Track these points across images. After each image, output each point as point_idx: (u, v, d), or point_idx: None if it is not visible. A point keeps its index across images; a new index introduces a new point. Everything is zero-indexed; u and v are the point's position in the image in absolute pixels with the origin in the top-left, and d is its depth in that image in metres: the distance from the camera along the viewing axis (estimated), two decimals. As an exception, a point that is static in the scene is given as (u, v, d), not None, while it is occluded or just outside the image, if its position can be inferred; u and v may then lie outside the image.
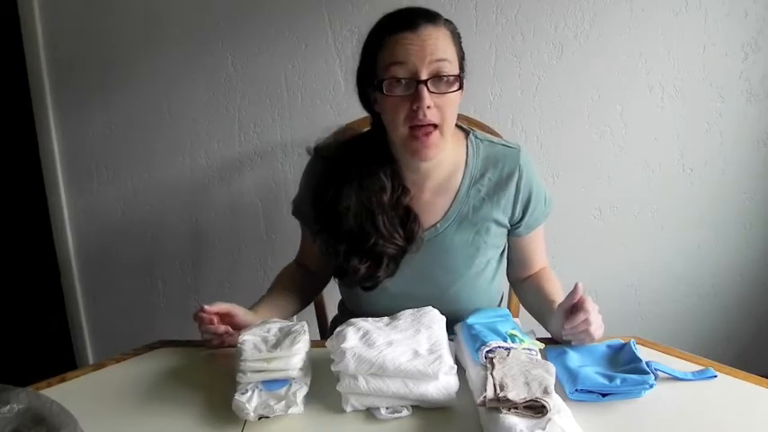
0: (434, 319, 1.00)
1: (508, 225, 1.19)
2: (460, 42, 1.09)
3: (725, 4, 1.68)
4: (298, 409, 0.88)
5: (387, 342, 0.93)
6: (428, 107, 1.00)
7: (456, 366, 0.91)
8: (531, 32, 1.71)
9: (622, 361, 0.97)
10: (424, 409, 0.90)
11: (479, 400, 0.83)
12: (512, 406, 0.80)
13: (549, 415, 0.79)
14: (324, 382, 0.94)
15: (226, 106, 1.81)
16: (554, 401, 0.81)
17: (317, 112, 1.78)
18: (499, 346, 0.93)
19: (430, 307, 1.03)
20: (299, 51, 1.75)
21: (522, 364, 0.89)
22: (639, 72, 1.74)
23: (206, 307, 1.04)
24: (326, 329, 1.52)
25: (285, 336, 0.96)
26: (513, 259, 1.26)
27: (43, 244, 1.95)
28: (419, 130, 1.02)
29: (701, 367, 0.98)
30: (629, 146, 1.80)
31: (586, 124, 1.78)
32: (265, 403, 0.87)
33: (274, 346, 0.93)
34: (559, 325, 1.00)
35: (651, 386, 0.89)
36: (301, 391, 0.90)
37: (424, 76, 1.00)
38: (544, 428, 0.77)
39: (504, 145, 1.19)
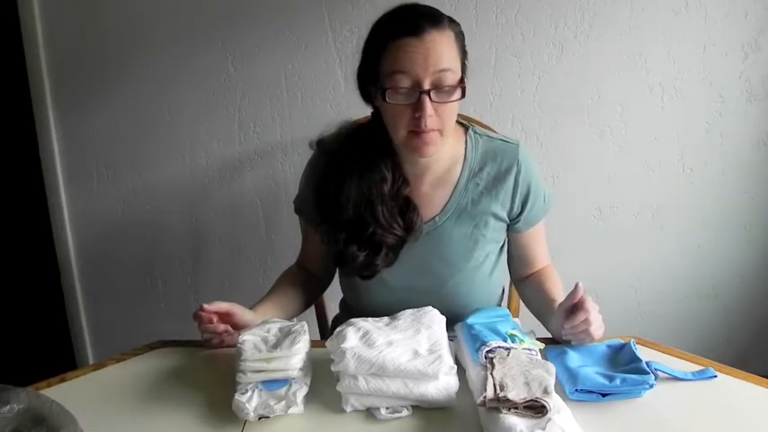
0: (434, 319, 1.00)
1: (507, 219, 1.19)
2: (464, 42, 1.08)
3: (725, 4, 1.68)
4: (298, 409, 0.88)
5: (387, 342, 0.93)
6: (429, 116, 1.01)
7: (456, 366, 0.91)
8: (531, 32, 1.71)
9: (622, 361, 0.97)
10: (424, 409, 0.90)
11: (479, 400, 0.83)
12: (512, 406, 0.80)
13: (549, 415, 0.79)
14: (324, 382, 0.94)
15: (226, 106, 1.81)
16: (554, 401, 0.81)
17: (317, 112, 1.78)
18: (499, 346, 0.93)
19: (430, 307, 1.04)
20: (299, 51, 1.75)
21: (522, 364, 0.89)
22: (639, 72, 1.74)
23: (205, 306, 1.04)
24: (326, 329, 1.52)
25: (285, 336, 0.96)
26: (513, 256, 1.26)
27: (43, 244, 1.95)
28: (420, 133, 1.03)
29: (701, 367, 0.98)
30: (629, 146, 1.80)
31: (586, 124, 1.78)
32: (265, 403, 0.87)
33: (274, 347, 0.93)
34: (559, 324, 1.00)
35: (651, 386, 0.89)
36: (301, 391, 0.90)
37: (426, 86, 1.01)
38: (544, 428, 0.77)
39: (502, 140, 1.20)
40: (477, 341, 0.95)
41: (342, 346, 0.91)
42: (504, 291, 1.34)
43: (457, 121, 1.14)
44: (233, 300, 1.08)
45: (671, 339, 1.36)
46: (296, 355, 0.92)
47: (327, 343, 0.96)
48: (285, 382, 0.91)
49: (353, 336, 0.94)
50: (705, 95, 1.76)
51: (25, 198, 1.99)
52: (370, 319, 1.01)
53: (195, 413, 0.91)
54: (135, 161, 1.87)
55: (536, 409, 0.80)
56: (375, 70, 1.05)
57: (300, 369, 0.92)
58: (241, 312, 1.07)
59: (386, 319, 1.02)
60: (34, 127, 1.84)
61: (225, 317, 1.06)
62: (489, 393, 0.82)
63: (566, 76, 1.74)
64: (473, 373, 0.92)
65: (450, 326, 1.03)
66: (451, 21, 1.06)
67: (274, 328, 1.00)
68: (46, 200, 1.90)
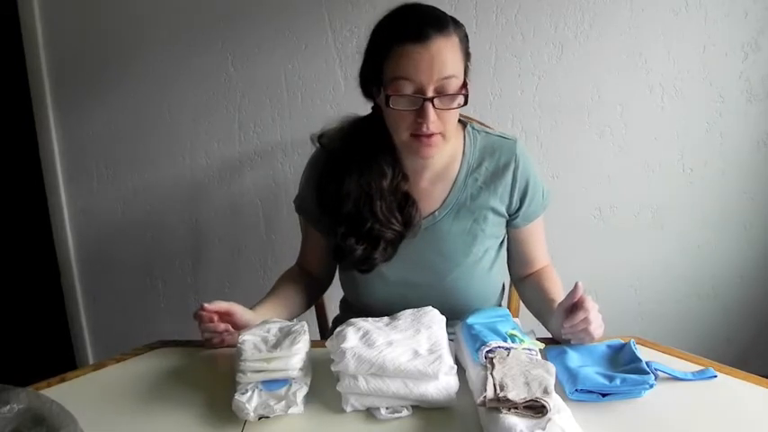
0: (434, 319, 1.00)
1: (506, 215, 1.20)
2: (468, 44, 1.08)
3: (725, 4, 1.68)
4: (298, 409, 0.88)
5: (387, 342, 0.93)
6: (432, 121, 1.02)
7: (456, 366, 0.91)
8: (531, 32, 1.71)
9: (622, 361, 0.97)
10: (424, 409, 0.90)
11: (479, 400, 0.82)
12: (512, 406, 0.80)
13: (549, 415, 0.79)
14: (324, 382, 0.94)
15: (226, 106, 1.81)
16: (554, 401, 0.81)
17: (317, 112, 1.78)
18: (499, 346, 0.93)
19: (430, 307, 1.04)
20: (299, 51, 1.75)
21: (522, 364, 0.89)
22: (639, 72, 1.74)
23: (206, 305, 1.04)
24: (326, 329, 1.52)
25: (285, 336, 0.96)
26: (513, 255, 1.27)
27: (43, 244, 1.95)
28: (422, 137, 1.04)
29: (701, 367, 0.98)
30: (629, 146, 1.80)
31: (586, 124, 1.78)
32: (265, 403, 0.87)
33: (274, 347, 0.93)
34: (559, 324, 1.01)
35: (651, 386, 0.89)
36: (301, 391, 0.90)
37: (430, 94, 1.01)
38: (544, 428, 0.77)
39: (500, 136, 1.21)
40: (477, 341, 0.95)
41: (342, 346, 0.91)
42: (504, 288, 1.34)
43: None
44: (233, 300, 1.08)
45: (671, 339, 1.36)
46: (296, 355, 0.92)
47: (327, 343, 0.96)
48: (285, 382, 0.91)
49: (353, 336, 0.94)
50: (705, 95, 1.76)
51: (25, 198, 1.99)
52: (370, 319, 1.01)
53: (195, 413, 0.91)
54: (135, 161, 1.87)
55: (536, 409, 0.80)
56: (378, 73, 1.05)
57: (300, 369, 0.92)
58: (241, 312, 1.07)
59: (386, 319, 1.02)
60: (34, 127, 1.84)
61: (225, 316, 1.06)
62: (489, 393, 0.82)
63: (566, 76, 1.74)
64: (473, 373, 0.92)
65: (449, 321, 1.04)
66: (455, 23, 1.05)
67: (274, 328, 1.00)
68: (46, 200, 1.90)
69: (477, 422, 0.85)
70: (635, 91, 1.75)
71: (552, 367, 0.88)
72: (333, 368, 0.91)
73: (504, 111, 1.77)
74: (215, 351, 1.08)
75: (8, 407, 0.75)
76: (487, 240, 1.19)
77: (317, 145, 1.21)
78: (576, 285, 0.97)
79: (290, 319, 1.09)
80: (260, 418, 0.87)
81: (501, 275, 1.28)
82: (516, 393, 0.81)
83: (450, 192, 1.17)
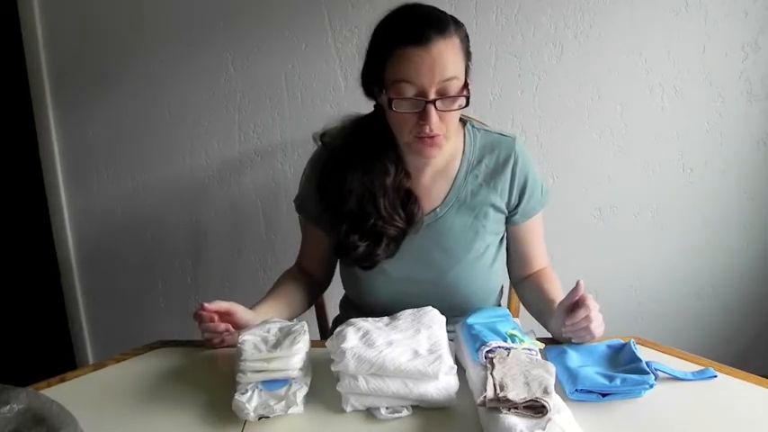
0: (434, 319, 1.00)
1: (506, 211, 1.20)
2: (469, 44, 1.08)
3: (725, 3, 1.68)
4: (298, 409, 0.88)
5: (387, 342, 0.93)
6: (434, 123, 1.02)
7: (456, 366, 0.91)
8: (531, 32, 1.71)
9: (622, 361, 0.97)
10: (424, 409, 0.90)
11: (479, 400, 0.82)
12: (512, 406, 0.80)
13: (549, 415, 0.79)
14: (324, 382, 0.94)
15: (226, 106, 1.81)
16: (554, 401, 0.81)
17: (317, 112, 1.78)
18: (499, 346, 0.93)
19: (430, 307, 1.04)
20: (299, 51, 1.75)
21: (522, 364, 0.89)
22: (639, 72, 1.74)
23: (206, 305, 1.04)
24: (326, 329, 1.52)
25: (285, 336, 0.96)
26: (512, 254, 1.27)
27: (43, 244, 1.95)
28: (425, 138, 1.05)
29: (701, 367, 0.98)
30: (629, 146, 1.80)
31: (586, 124, 1.78)
32: (265, 403, 0.87)
33: (274, 347, 0.93)
34: (560, 323, 1.01)
35: (651, 386, 0.89)
36: (301, 391, 0.90)
37: (432, 96, 1.01)
38: (544, 428, 0.77)
39: (499, 134, 1.22)
40: (477, 341, 0.95)
41: (342, 346, 0.91)
42: (503, 289, 1.34)
43: None
44: (233, 300, 1.08)
45: (671, 339, 1.36)
46: (296, 355, 0.92)
47: (327, 343, 0.96)
48: (285, 382, 0.91)
49: (353, 336, 0.94)
50: (705, 95, 1.76)
51: (25, 198, 1.99)
52: (370, 319, 1.01)
53: (195, 413, 0.91)
54: (135, 161, 1.87)
55: (536, 409, 0.80)
56: (379, 74, 1.06)
57: (300, 369, 0.92)
58: (241, 312, 1.07)
59: (386, 319, 1.02)
60: (34, 127, 1.84)
61: (225, 316, 1.06)
62: (489, 393, 0.82)
63: (566, 76, 1.74)
64: (473, 373, 0.92)
65: (450, 318, 1.04)
66: (456, 23, 1.05)
67: (274, 328, 1.00)
68: (46, 200, 1.90)
69: (477, 422, 0.85)
70: (635, 91, 1.75)
71: (552, 367, 0.88)
72: (333, 368, 0.91)
73: (504, 111, 1.77)
74: (215, 351, 1.08)
75: (8, 407, 0.75)
76: (488, 237, 1.20)
77: (319, 143, 1.22)
78: (577, 284, 0.97)
79: (291, 319, 1.10)
80: (260, 418, 0.87)
81: (501, 273, 1.28)
82: (516, 393, 0.81)
83: (450, 189, 1.18)
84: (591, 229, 1.87)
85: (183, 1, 1.73)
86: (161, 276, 1.97)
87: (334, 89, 1.77)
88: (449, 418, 0.89)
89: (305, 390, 0.91)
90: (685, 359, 1.01)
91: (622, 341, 1.02)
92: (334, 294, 1.40)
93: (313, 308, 1.45)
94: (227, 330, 1.05)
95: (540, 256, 1.27)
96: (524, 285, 1.27)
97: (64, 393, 0.91)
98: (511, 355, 0.91)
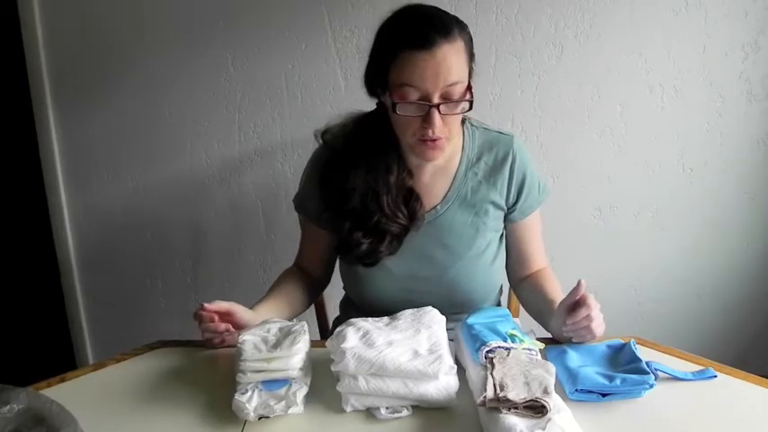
0: (434, 319, 1.00)
1: (505, 208, 1.21)
2: (472, 45, 1.09)
3: (725, 3, 1.68)
4: (298, 409, 0.88)
5: (387, 342, 0.93)
6: (437, 127, 1.03)
7: (456, 366, 0.91)
8: (531, 32, 1.71)
9: (622, 361, 0.97)
10: (424, 409, 0.90)
11: (479, 400, 0.82)
12: (512, 406, 0.80)
13: (549, 415, 0.79)
14: (324, 382, 0.94)
15: (226, 106, 1.81)
16: (554, 401, 0.81)
17: (317, 112, 1.78)
18: (499, 346, 0.93)
19: (430, 307, 1.04)
20: (299, 51, 1.75)
21: (522, 364, 0.89)
22: (639, 72, 1.74)
23: (206, 305, 1.04)
24: (327, 329, 1.52)
25: (285, 336, 0.96)
26: (511, 253, 1.27)
27: (43, 244, 1.95)
28: (427, 141, 1.05)
29: (701, 367, 0.98)
30: (629, 146, 1.80)
31: (586, 124, 1.78)
32: (265, 403, 0.87)
33: (274, 346, 0.93)
34: (561, 322, 1.01)
35: (651, 386, 0.89)
36: (301, 391, 0.90)
37: (435, 100, 1.02)
38: (544, 428, 0.77)
39: (498, 132, 1.23)
40: (477, 341, 0.95)
41: (342, 346, 0.91)
42: (502, 289, 1.34)
43: None
44: (233, 299, 1.08)
45: (671, 339, 1.36)
46: (296, 355, 0.92)
47: (327, 343, 0.96)
48: (285, 382, 0.91)
49: (353, 336, 0.94)
50: (705, 95, 1.76)
51: (25, 198, 1.99)
52: (370, 319, 1.01)
53: (195, 413, 0.91)
54: (135, 161, 1.87)
55: (536, 409, 0.80)
56: (383, 76, 1.06)
57: (300, 369, 0.92)
58: (241, 312, 1.07)
59: (386, 319, 1.02)
60: (34, 127, 1.84)
61: (225, 316, 1.06)
62: (489, 393, 0.82)
63: (566, 76, 1.74)
64: (473, 373, 0.92)
65: (450, 315, 1.04)
66: (460, 25, 1.05)
67: (274, 328, 1.00)
68: (46, 200, 1.90)
69: (477, 422, 0.85)
70: (635, 91, 1.75)
71: (552, 367, 0.88)
72: (333, 368, 0.91)
73: (504, 111, 1.77)
74: (215, 351, 1.08)
75: (8, 407, 0.75)
76: (489, 233, 1.20)
77: (320, 141, 1.22)
78: (578, 283, 0.97)
79: (291, 319, 1.10)
80: (260, 418, 0.87)
81: (502, 271, 1.28)
82: (516, 393, 0.81)
83: (451, 186, 1.19)
84: (591, 229, 1.87)
85: (183, 1, 1.73)
86: (161, 276, 1.97)
87: (334, 89, 1.77)
88: (449, 418, 0.89)
89: (305, 390, 0.91)
90: (685, 359, 1.01)
91: (622, 341, 1.02)
92: (334, 294, 1.40)
93: (313, 308, 1.45)
94: (228, 330, 1.05)
95: (539, 256, 1.27)
96: (523, 286, 1.27)
97: (64, 393, 0.91)
98: (511, 355, 0.91)
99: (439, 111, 1.02)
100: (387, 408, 0.89)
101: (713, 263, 1.90)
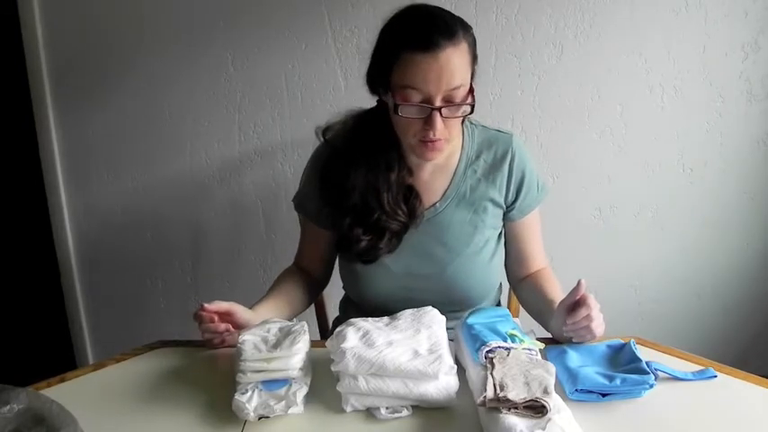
0: (434, 319, 1.00)
1: (504, 206, 1.21)
2: (475, 47, 1.08)
3: (725, 3, 1.68)
4: (298, 409, 0.88)
5: (387, 342, 0.93)
6: (438, 129, 1.03)
7: (456, 366, 0.91)
8: (531, 32, 1.71)
9: (622, 361, 0.97)
10: (424, 409, 0.90)
11: (479, 400, 0.82)
12: (512, 406, 0.80)
13: (549, 415, 0.79)
14: (324, 382, 0.94)
15: (226, 106, 1.81)
16: (554, 401, 0.81)
17: (317, 112, 1.78)
18: (499, 346, 0.93)
19: (430, 307, 1.04)
20: (299, 51, 1.75)
21: (522, 364, 0.89)
22: (639, 72, 1.74)
23: (206, 305, 1.04)
24: (326, 329, 1.52)
25: (285, 336, 0.96)
26: (510, 252, 1.27)
27: (43, 244, 1.95)
28: (428, 142, 1.06)
29: (701, 367, 0.98)
30: (629, 146, 1.80)
31: (586, 124, 1.78)
32: (265, 403, 0.87)
33: (274, 346, 0.93)
34: (561, 322, 1.01)
35: (651, 386, 0.89)
36: (301, 391, 0.90)
37: (437, 104, 1.02)
38: (544, 428, 0.77)
39: (497, 130, 1.24)
40: (477, 341, 0.95)
41: (342, 346, 0.91)
42: (501, 288, 1.34)
43: None
44: (233, 299, 1.08)
45: (671, 339, 1.36)
46: (296, 355, 0.92)
47: (327, 343, 0.96)
48: (285, 382, 0.91)
49: (353, 336, 0.94)
50: (705, 95, 1.75)
51: (25, 198, 1.99)
52: (370, 319, 1.01)
53: (195, 413, 0.91)
54: (135, 161, 1.87)
55: (536, 409, 0.80)
56: (385, 76, 1.05)
57: (300, 369, 0.92)
58: (241, 312, 1.07)
59: (386, 319, 1.02)
60: (34, 127, 1.84)
61: (225, 316, 1.06)
62: (489, 393, 0.82)
63: (566, 76, 1.74)
64: (473, 373, 0.92)
65: (449, 313, 1.04)
66: (463, 27, 1.04)
67: (274, 328, 1.00)
68: (46, 200, 1.90)
69: (477, 422, 0.85)
70: (635, 91, 1.75)
71: (552, 367, 0.88)
72: (333, 368, 0.91)
73: (504, 111, 1.77)
74: (215, 351, 1.08)
75: (8, 407, 0.75)
76: (487, 231, 1.20)
77: (321, 139, 1.22)
78: (578, 283, 0.98)
79: (290, 318, 1.10)
80: (260, 418, 0.87)
81: (500, 269, 1.28)
82: (516, 393, 0.81)
83: (450, 184, 1.19)
84: (591, 229, 1.87)
85: (183, 1, 1.73)
86: (161, 276, 1.97)
87: (334, 89, 1.77)
88: (449, 418, 0.89)
89: (305, 390, 0.91)
90: (685, 359, 1.01)
91: (622, 341, 1.02)
92: (334, 294, 1.40)
93: (313, 308, 1.45)
94: (228, 330, 1.05)
95: (539, 255, 1.27)
96: (523, 286, 1.27)
97: (64, 393, 0.91)
98: (511, 355, 0.91)
99: (441, 114, 1.02)
100: (387, 408, 0.89)
101: (713, 263, 1.90)
